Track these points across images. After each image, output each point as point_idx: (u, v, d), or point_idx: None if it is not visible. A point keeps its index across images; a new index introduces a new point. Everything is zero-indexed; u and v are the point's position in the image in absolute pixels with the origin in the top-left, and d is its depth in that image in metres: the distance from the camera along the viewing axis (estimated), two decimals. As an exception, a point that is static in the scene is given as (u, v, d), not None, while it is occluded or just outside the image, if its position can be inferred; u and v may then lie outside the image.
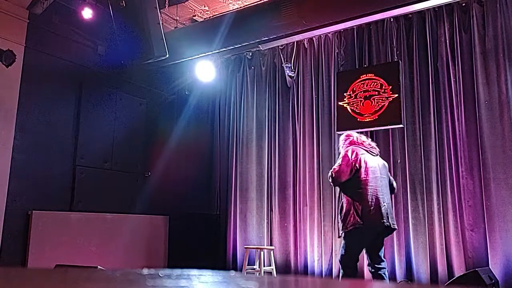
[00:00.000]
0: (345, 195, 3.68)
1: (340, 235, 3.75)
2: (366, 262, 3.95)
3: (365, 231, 3.57)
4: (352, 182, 3.64)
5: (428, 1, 4.94)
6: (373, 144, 3.94)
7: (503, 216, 4.41)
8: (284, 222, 5.85)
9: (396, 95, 5.03)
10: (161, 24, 4.64)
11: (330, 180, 3.72)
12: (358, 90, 5.32)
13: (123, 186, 6.28)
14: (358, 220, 3.52)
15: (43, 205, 5.28)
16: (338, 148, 4.05)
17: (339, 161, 3.74)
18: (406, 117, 5.09)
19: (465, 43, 4.92)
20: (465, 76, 4.87)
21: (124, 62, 5.12)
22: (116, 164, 6.23)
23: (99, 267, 3.88)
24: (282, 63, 6.11)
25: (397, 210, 5.02)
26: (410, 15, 5.29)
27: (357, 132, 5.32)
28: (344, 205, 3.65)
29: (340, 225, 3.67)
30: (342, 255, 3.72)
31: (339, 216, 3.72)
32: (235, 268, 6.01)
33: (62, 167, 5.62)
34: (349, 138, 3.93)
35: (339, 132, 5.44)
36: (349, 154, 3.69)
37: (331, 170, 3.71)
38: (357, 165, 3.65)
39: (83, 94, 5.91)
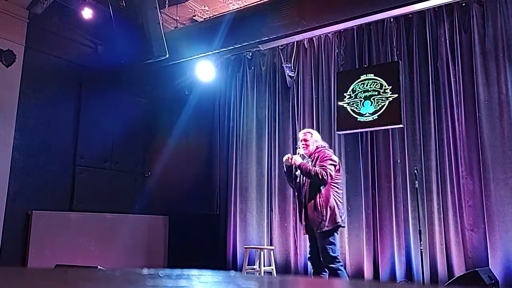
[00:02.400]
0: (321, 194, 3.76)
1: (322, 231, 3.73)
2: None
3: (338, 229, 3.80)
4: (338, 183, 3.88)
5: (428, 1, 4.94)
6: None
7: (503, 216, 4.41)
8: (284, 222, 5.85)
9: (396, 95, 5.03)
10: (161, 24, 4.64)
11: (320, 177, 3.72)
12: (358, 90, 5.32)
13: (123, 186, 6.29)
14: (341, 218, 3.78)
15: (43, 205, 5.29)
16: (312, 139, 4.05)
17: (328, 160, 3.82)
18: (406, 117, 5.09)
19: (465, 43, 4.92)
20: (465, 76, 4.87)
21: (124, 62, 5.12)
22: (116, 164, 6.23)
23: (99, 267, 3.88)
24: (282, 63, 6.10)
25: (397, 210, 5.02)
26: (410, 15, 5.28)
27: (358, 132, 5.36)
28: (330, 203, 3.74)
29: (326, 221, 3.70)
30: (332, 257, 3.72)
31: (323, 213, 3.72)
32: (235, 268, 6.01)
33: (62, 167, 5.62)
34: (319, 138, 4.11)
35: (339, 132, 5.46)
36: (335, 158, 3.92)
37: (325, 171, 3.73)
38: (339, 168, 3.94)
39: (83, 94, 5.92)
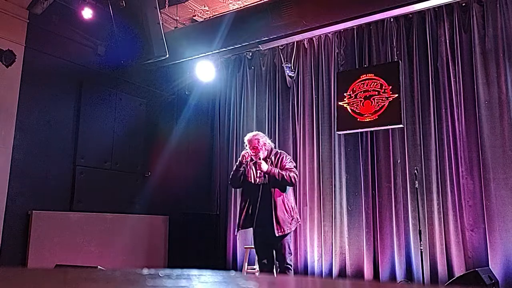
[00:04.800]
0: (286, 195, 3.89)
1: (291, 230, 3.87)
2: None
3: None
4: None
5: (428, 1, 4.94)
6: None
7: (503, 216, 4.41)
8: (284, 222, 5.84)
9: (396, 95, 5.03)
10: (161, 24, 4.64)
11: (293, 182, 3.86)
12: (358, 90, 5.32)
13: (123, 186, 6.28)
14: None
15: (43, 205, 5.28)
16: (261, 143, 4.02)
17: (291, 163, 3.97)
18: (406, 117, 5.09)
19: (465, 43, 4.92)
20: (465, 76, 4.87)
21: (124, 62, 5.12)
22: (116, 164, 6.22)
23: (99, 267, 3.88)
24: (282, 63, 6.10)
25: (397, 210, 5.02)
26: (410, 15, 5.28)
27: (358, 132, 5.36)
28: (293, 205, 3.94)
29: (294, 221, 3.88)
30: (291, 254, 3.92)
31: (291, 214, 3.87)
32: (235, 268, 6.01)
33: (62, 167, 5.62)
34: (267, 140, 4.11)
35: (339, 132, 5.45)
36: (293, 161, 4.08)
37: (295, 174, 3.89)
38: None
39: (83, 94, 5.91)
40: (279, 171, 3.82)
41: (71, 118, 5.79)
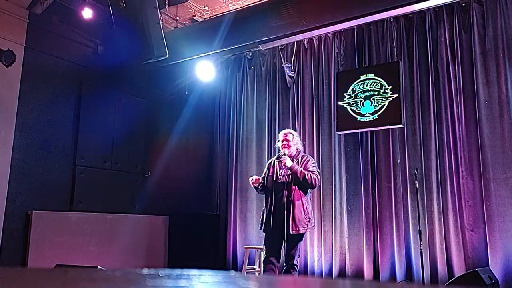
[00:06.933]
0: (304, 196, 3.94)
1: (306, 231, 3.94)
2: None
3: None
4: None
5: (428, 1, 4.94)
6: None
7: (503, 216, 4.42)
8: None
9: (396, 95, 5.03)
10: (161, 24, 4.64)
11: (313, 184, 3.92)
12: (358, 90, 5.32)
13: (123, 186, 6.28)
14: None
15: (43, 205, 5.29)
16: (295, 140, 4.14)
17: (315, 167, 4.02)
18: (406, 117, 5.09)
19: (465, 43, 4.92)
20: (465, 76, 4.87)
21: (124, 62, 5.12)
22: (116, 164, 6.23)
23: (99, 267, 3.88)
24: (282, 63, 6.10)
25: (397, 210, 5.02)
26: (410, 15, 5.29)
27: (358, 132, 5.36)
28: (311, 209, 4.01)
29: (310, 223, 3.94)
30: (299, 255, 3.97)
31: (308, 215, 3.94)
32: (235, 268, 6.01)
33: (62, 167, 5.62)
34: (299, 141, 4.21)
35: (339, 132, 5.45)
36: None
37: (316, 177, 3.95)
38: None
39: (83, 94, 5.91)
40: (302, 169, 3.91)
41: (71, 118, 5.80)
